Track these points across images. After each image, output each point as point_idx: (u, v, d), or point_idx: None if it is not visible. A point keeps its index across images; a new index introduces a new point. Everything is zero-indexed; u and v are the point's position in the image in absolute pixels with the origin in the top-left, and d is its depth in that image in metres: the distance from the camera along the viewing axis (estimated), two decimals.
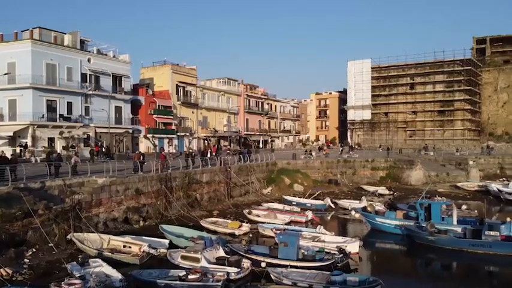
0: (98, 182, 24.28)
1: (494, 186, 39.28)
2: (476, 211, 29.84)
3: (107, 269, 16.15)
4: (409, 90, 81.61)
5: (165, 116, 58.66)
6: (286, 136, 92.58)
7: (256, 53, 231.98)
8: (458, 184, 42.75)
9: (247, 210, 29.59)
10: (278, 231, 21.86)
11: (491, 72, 79.37)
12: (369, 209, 27.95)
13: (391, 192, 39.73)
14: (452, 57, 76.65)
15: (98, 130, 48.24)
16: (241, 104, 75.97)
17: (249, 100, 78.85)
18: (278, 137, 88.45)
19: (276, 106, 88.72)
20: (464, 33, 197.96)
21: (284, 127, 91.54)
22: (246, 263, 17.48)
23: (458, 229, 22.98)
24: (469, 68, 75.41)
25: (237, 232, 24.30)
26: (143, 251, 18.97)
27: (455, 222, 23.97)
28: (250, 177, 38.58)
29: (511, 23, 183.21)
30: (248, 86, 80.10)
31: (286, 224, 25.89)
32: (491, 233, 21.22)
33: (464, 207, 30.42)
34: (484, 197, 37.25)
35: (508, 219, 22.66)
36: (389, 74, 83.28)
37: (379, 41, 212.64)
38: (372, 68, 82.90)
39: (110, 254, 18.77)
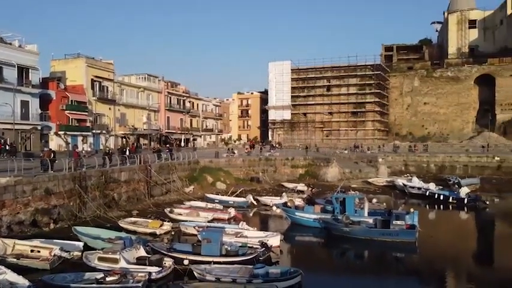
0: (1, 182, 21.99)
1: (400, 181, 42.86)
2: (384, 204, 32.38)
3: (11, 276, 14.69)
4: (325, 92, 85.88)
5: (79, 112, 55.07)
6: (209, 135, 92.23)
7: (178, 51, 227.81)
8: (369, 180, 45.93)
9: (168, 209, 28.89)
10: (201, 229, 21.67)
11: (397, 77, 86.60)
12: (289, 204, 28.98)
13: (310, 188, 41.43)
14: (364, 62, 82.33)
15: (0, 126, 43.74)
16: (162, 101, 74.02)
17: (170, 98, 77.12)
18: (200, 136, 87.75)
19: (198, 104, 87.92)
20: (374, 40, 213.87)
21: (206, 126, 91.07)
22: (168, 262, 17.06)
23: (370, 220, 24.73)
24: (379, 72, 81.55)
25: (158, 231, 23.61)
26: (54, 255, 17.60)
27: (366, 214, 25.81)
28: (171, 175, 37.73)
29: (415, 33, 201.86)
30: (169, 83, 78.33)
31: (209, 222, 25.79)
32: (398, 222, 23.19)
33: (374, 200, 32.70)
34: (391, 191, 40.70)
35: (412, 209, 24.97)
36: (308, 76, 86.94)
37: (299, 44, 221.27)
38: (291, 69, 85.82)
39: (15, 260, 17.12)
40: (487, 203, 34.93)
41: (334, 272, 19.69)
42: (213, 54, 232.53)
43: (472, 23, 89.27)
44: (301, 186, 41.49)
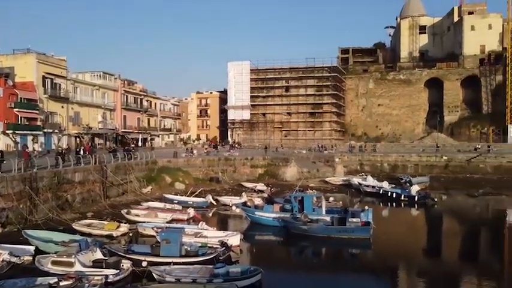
0: None
1: (355, 180, 44.34)
2: (341, 202, 33.41)
3: None
4: (284, 92, 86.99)
5: (29, 110, 52.44)
6: (167, 134, 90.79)
7: (134, 48, 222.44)
8: (327, 179, 47.13)
9: (125, 210, 28.24)
10: (159, 230, 21.38)
11: (353, 79, 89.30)
12: (248, 204, 29.20)
13: (270, 188, 41.82)
14: (321, 64, 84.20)
15: None
16: (118, 100, 72.00)
17: (126, 96, 75.14)
18: (158, 135, 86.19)
19: (155, 104, 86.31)
20: (331, 43, 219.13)
21: (164, 125, 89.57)
22: (126, 264, 16.73)
23: (327, 218, 25.42)
24: (335, 74, 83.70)
25: (115, 233, 23.04)
26: (2, 260, 16.80)
27: (324, 212, 26.47)
28: (128, 176, 36.85)
29: (370, 36, 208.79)
30: (126, 82, 76.31)
31: (167, 222, 25.47)
32: (354, 220, 24.02)
33: (331, 199, 33.63)
34: (347, 190, 42.03)
35: (366, 207, 25.92)
36: (267, 77, 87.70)
37: (259, 44, 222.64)
38: (251, 70, 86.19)
39: None
40: (436, 200, 36.88)
41: (293, 269, 20.10)
42: (171, 53, 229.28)
43: (423, 29, 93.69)
44: (260, 186, 41.84)
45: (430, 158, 54.19)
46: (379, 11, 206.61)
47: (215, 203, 33.98)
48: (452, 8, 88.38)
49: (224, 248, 19.13)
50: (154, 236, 21.71)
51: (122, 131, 72.25)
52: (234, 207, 31.55)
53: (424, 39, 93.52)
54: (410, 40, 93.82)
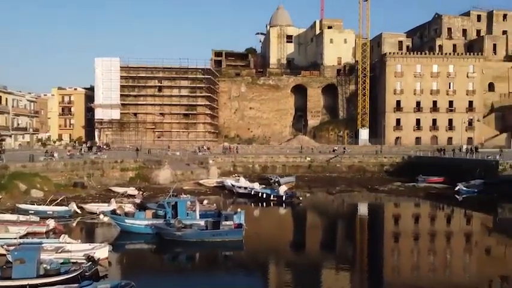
0: None
1: (229, 181, 45.41)
2: (215, 204, 33.77)
3: None
4: (157, 92, 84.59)
5: None
6: (21, 134, 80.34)
7: None
8: (201, 181, 47.26)
9: None
10: (11, 247, 18.69)
11: (226, 82, 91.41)
12: (118, 211, 27.47)
13: (141, 192, 40.11)
14: (195, 65, 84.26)
15: None
16: None
17: None
18: (10, 136, 75.72)
19: (7, 99, 75.61)
20: (205, 45, 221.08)
21: (18, 124, 79.06)
22: None
23: (201, 222, 25.45)
24: (209, 77, 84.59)
25: None
26: None
27: (198, 216, 26.45)
28: None
29: (243, 41, 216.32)
30: None
31: (21, 237, 22.37)
32: (227, 222, 24.53)
33: (205, 201, 33.78)
34: (221, 192, 42.78)
35: (239, 209, 26.73)
36: (139, 75, 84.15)
37: (130, 41, 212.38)
38: (121, 67, 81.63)
39: None
40: (301, 198, 39.97)
41: (167, 277, 19.57)
42: (27, 43, 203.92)
43: (289, 38, 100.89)
44: (131, 190, 39.86)
45: (295, 159, 58.60)
46: (251, 17, 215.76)
47: (80, 212, 31.12)
48: (315, 21, 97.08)
49: (90, 262, 17.63)
50: (4, 255, 18.91)
51: None
52: (101, 216, 29.28)
53: (290, 48, 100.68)
54: (278, 48, 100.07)
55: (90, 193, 39.85)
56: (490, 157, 49.85)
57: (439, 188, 47.28)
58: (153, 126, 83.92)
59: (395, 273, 21.04)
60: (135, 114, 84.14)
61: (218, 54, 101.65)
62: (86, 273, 16.58)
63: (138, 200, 34.90)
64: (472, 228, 33.13)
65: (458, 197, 42.24)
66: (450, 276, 20.29)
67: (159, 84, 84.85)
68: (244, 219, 25.31)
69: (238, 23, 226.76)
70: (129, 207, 29.55)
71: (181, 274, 20.21)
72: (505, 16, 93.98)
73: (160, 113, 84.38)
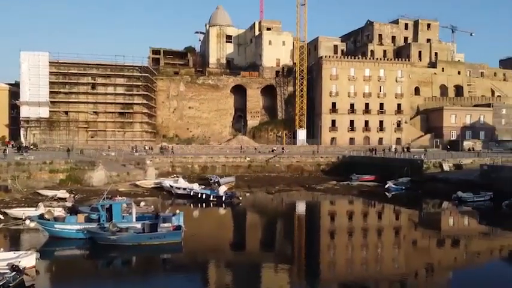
0: None
1: (167, 182, 44.36)
2: (152, 206, 32.78)
3: None
4: (90, 90, 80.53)
5: None
6: None
7: None
8: (137, 182, 45.67)
9: None
10: None
11: (164, 81, 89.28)
12: (46, 216, 25.71)
13: (73, 195, 37.93)
14: (132, 62, 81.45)
15: None
16: None
17: None
18: None
19: None
20: (143, 42, 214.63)
21: None
22: None
23: (138, 225, 24.60)
24: (146, 75, 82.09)
25: None
26: None
27: (134, 219, 25.53)
28: None
29: (182, 39, 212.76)
30: None
31: None
32: (165, 225, 23.96)
33: (142, 203, 32.78)
34: (159, 193, 41.67)
35: (178, 211, 26.24)
36: (70, 71, 79.52)
37: (60, 35, 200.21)
38: (50, 62, 76.56)
39: None
40: (241, 198, 40.16)
41: (101, 284, 18.69)
42: None
43: (229, 38, 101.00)
44: (61, 193, 37.59)
45: (235, 159, 58.73)
46: (190, 15, 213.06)
47: (2, 218, 28.77)
48: (254, 23, 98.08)
49: (15, 272, 16.32)
50: None
51: None
52: (27, 221, 27.29)
53: (230, 48, 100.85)
54: (218, 47, 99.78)
55: (14, 197, 36.89)
56: (416, 156, 53.58)
57: (370, 186, 49.93)
58: (86, 126, 79.81)
59: (331, 268, 21.85)
60: (66, 112, 79.46)
61: (156, 52, 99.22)
62: (10, 284, 15.36)
63: (69, 204, 33.04)
64: (400, 223, 35.31)
65: (388, 194, 44.91)
66: (381, 268, 21.47)
67: (93, 82, 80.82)
68: (183, 220, 24.95)
69: (177, 21, 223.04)
70: (59, 211, 27.83)
71: (117, 280, 19.39)
72: (428, 25, 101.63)
73: (94, 112, 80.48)
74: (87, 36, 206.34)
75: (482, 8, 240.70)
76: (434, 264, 22.19)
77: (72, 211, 28.75)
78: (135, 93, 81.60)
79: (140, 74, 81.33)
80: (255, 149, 70.94)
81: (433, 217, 37.50)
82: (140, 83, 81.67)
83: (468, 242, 27.61)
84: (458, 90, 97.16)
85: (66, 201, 34.69)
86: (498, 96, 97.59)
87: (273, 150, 67.04)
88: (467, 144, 75.99)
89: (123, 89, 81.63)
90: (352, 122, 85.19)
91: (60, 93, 78.71)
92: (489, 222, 32.97)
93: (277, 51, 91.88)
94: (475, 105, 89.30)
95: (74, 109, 79.37)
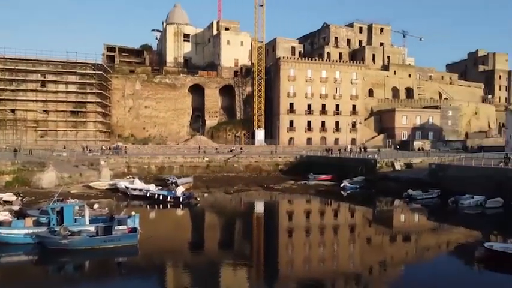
0: None
1: (122, 183, 43.05)
2: (107, 208, 31.75)
3: None
4: (40, 87, 76.70)
5: None
6: None
7: None
8: (91, 184, 43.99)
9: None
10: None
11: (119, 79, 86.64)
12: None
13: (20, 198, 35.92)
14: (84, 59, 78.37)
15: None
16: None
17: None
18: None
19: None
20: (96, 38, 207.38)
21: None
22: None
23: (91, 228, 23.69)
24: (100, 72, 79.29)
25: None
26: None
27: (87, 222, 24.58)
28: None
29: (138, 37, 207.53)
30: None
31: None
32: (120, 227, 23.23)
33: (96, 206, 31.59)
34: (113, 195, 40.38)
35: (133, 212, 25.52)
36: (17, 68, 75.37)
37: (6, 29, 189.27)
38: None
39: None
40: (199, 199, 39.73)
41: None
42: None
43: (187, 37, 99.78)
44: (8, 196, 35.40)
45: (193, 159, 58.07)
46: (147, 13, 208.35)
47: None
48: (212, 22, 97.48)
49: None
50: None
51: None
52: None
53: (188, 47, 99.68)
54: (175, 46, 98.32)
55: None
56: (370, 156, 55.42)
57: (327, 185, 51.05)
58: (35, 125, 75.94)
59: (289, 266, 22.09)
60: (13, 110, 75.21)
61: (111, 49, 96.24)
62: None
63: (16, 207, 31.28)
64: (355, 220, 36.38)
65: (343, 192, 46.12)
66: (337, 265, 22.00)
67: (43, 79, 77.02)
68: (139, 222, 24.33)
69: (133, 18, 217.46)
70: (4, 215, 26.28)
71: (69, 286, 18.53)
72: (382, 30, 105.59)
73: (44, 110, 76.74)
74: (36, 33, 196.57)
75: (432, 16, 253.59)
76: (387, 260, 23.04)
77: (20, 215, 27.36)
78: (88, 91, 78.64)
79: (94, 72, 78.48)
80: (216, 149, 70.42)
81: (386, 214, 38.95)
82: (94, 81, 78.80)
83: (418, 237, 28.90)
84: (409, 92, 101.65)
85: (12, 204, 32.80)
86: (445, 98, 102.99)
87: (231, 150, 66.92)
88: (417, 144, 79.59)
89: (75, 87, 78.45)
90: (309, 122, 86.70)
91: (7, 90, 74.48)
92: (437, 218, 34.66)
93: (235, 51, 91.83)
94: (424, 107, 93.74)
95: (21, 107, 75.32)
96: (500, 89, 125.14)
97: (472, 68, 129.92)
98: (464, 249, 25.01)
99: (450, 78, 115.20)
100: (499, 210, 34.21)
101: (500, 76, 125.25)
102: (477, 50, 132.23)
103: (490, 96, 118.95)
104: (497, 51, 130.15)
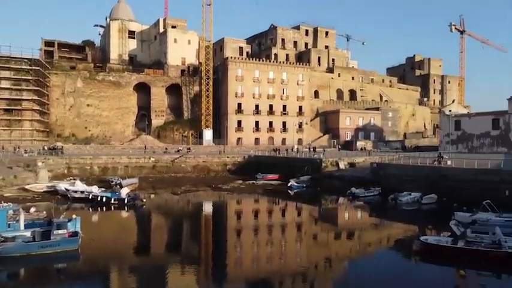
0: None
1: (62, 185, 40.88)
2: (45, 212, 29.98)
3: None
4: None
5: None
6: None
7: None
8: (27, 186, 41.42)
9: None
10: None
11: (59, 76, 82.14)
12: None
13: None
14: (20, 54, 73.49)
15: None
16: None
17: None
18: None
19: None
20: (34, 33, 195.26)
21: None
22: None
23: (27, 233, 22.28)
24: (38, 68, 74.75)
25: None
26: None
27: (23, 227, 23.11)
28: None
29: (79, 32, 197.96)
30: None
31: None
32: (60, 231, 22.03)
33: (33, 209, 29.77)
34: (52, 197, 38.20)
35: (74, 216, 24.26)
36: None
37: None
38: None
39: None
40: (144, 200, 38.67)
41: None
42: None
43: (132, 34, 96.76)
44: None
45: (139, 160, 56.50)
46: (89, 7, 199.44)
47: None
48: (158, 19, 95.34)
49: None
50: None
51: None
52: None
53: (133, 44, 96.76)
54: (120, 43, 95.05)
55: None
56: (315, 156, 56.92)
57: (275, 184, 51.77)
58: None
59: (238, 266, 22.11)
60: None
61: (49, 43, 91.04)
62: None
63: None
64: (302, 219, 37.20)
65: (290, 192, 46.99)
66: (285, 262, 22.34)
67: None
68: (81, 226, 23.22)
69: (74, 12, 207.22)
70: None
71: None
72: (327, 33, 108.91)
73: None
74: None
75: (374, 23, 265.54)
76: (332, 256, 23.80)
77: None
78: (24, 88, 73.77)
79: (30, 67, 73.80)
80: (166, 149, 68.88)
81: (331, 212, 40.23)
82: (30, 77, 74.11)
83: (361, 233, 30.12)
84: (353, 94, 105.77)
85: None
86: (385, 100, 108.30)
87: (178, 150, 65.87)
88: (359, 144, 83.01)
89: (9, 83, 73.28)
90: (257, 122, 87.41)
91: None
92: (378, 215, 36.34)
93: (182, 50, 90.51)
94: (366, 109, 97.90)
95: None
96: (434, 92, 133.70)
97: (410, 72, 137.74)
98: (403, 243, 26.42)
99: (390, 82, 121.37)
100: (433, 205, 36.56)
101: (434, 80, 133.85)
102: (414, 55, 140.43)
103: (425, 99, 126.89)
104: (433, 56, 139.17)
